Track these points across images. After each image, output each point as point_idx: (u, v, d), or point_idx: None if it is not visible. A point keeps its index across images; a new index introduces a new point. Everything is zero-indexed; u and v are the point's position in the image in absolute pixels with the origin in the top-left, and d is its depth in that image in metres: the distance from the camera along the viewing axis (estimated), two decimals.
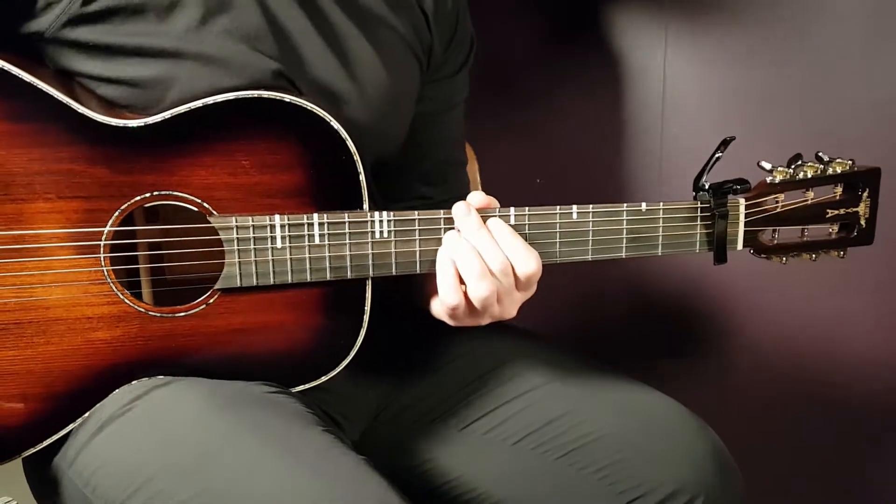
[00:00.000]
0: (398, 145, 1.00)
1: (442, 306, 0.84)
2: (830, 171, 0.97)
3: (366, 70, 0.93)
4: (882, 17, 1.19)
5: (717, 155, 0.91)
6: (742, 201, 0.94)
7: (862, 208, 0.99)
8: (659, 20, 1.31)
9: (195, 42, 0.83)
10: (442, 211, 0.86)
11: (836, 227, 1.00)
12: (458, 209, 0.85)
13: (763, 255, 0.98)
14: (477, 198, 0.86)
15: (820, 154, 0.98)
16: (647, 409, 0.93)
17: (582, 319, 1.51)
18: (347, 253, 0.85)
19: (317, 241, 0.84)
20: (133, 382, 0.84)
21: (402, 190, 1.05)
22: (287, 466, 0.75)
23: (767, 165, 0.96)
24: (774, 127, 1.26)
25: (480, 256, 0.83)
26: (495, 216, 0.86)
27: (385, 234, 0.85)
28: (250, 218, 0.82)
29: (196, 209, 0.82)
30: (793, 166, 0.96)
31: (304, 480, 0.74)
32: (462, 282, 0.84)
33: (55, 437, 0.83)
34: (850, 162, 0.97)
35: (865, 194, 0.99)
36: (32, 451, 0.83)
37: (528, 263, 0.83)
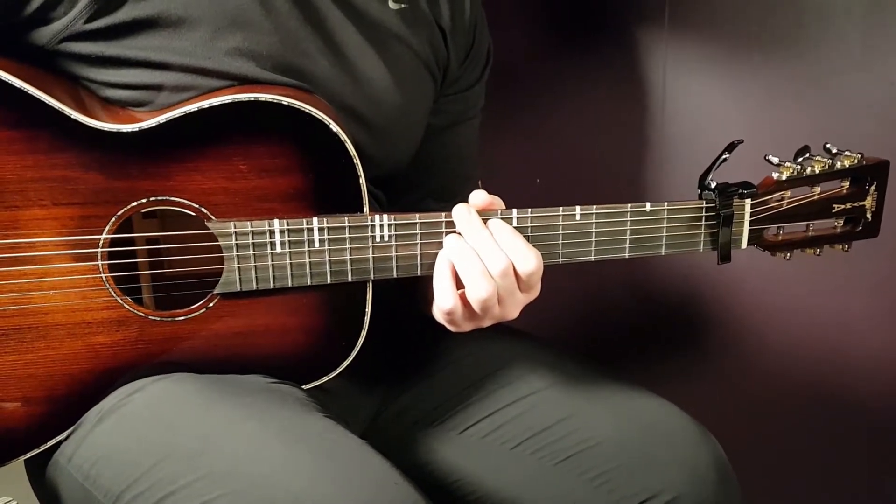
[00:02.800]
0: (407, 160, 0.98)
1: (437, 310, 0.83)
2: (839, 164, 0.95)
3: (378, 89, 0.91)
4: (881, 15, 1.16)
5: (723, 156, 0.89)
6: (748, 201, 0.92)
7: (869, 202, 0.98)
8: (660, 20, 1.28)
9: (203, 59, 0.81)
10: (443, 213, 0.84)
11: (841, 222, 0.98)
12: (459, 211, 0.83)
13: (767, 250, 0.96)
14: (479, 197, 0.84)
15: (828, 146, 0.96)
16: (648, 416, 0.93)
17: (584, 321, 1.50)
18: (348, 257, 0.84)
19: (317, 245, 0.83)
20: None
21: (412, 205, 1.03)
22: (289, 448, 0.75)
23: (775, 160, 0.94)
24: (775, 126, 1.24)
25: (480, 258, 0.81)
26: (497, 217, 0.85)
27: (386, 238, 0.84)
28: (249, 223, 0.81)
29: (194, 214, 0.81)
30: (800, 159, 0.94)
31: (307, 460, 0.74)
32: (459, 284, 0.82)
33: (58, 439, 0.84)
34: (858, 155, 0.95)
35: (873, 188, 0.97)
36: (36, 451, 0.84)
37: (529, 261, 0.81)
